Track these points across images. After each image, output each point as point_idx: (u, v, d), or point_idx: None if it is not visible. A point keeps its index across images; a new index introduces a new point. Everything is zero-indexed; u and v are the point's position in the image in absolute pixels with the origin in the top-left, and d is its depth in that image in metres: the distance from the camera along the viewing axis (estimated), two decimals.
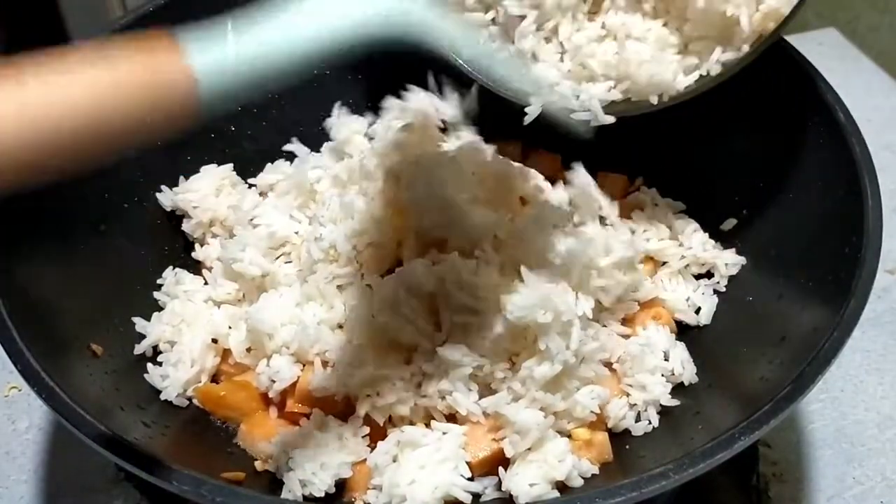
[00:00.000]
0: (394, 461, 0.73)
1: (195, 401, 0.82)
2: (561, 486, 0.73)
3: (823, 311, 0.71)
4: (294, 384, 0.79)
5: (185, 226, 0.96)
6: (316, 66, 0.57)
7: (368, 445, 0.76)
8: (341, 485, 0.75)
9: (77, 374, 0.73)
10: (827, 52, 1.40)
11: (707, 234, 0.93)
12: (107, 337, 0.80)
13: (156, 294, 0.90)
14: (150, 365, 0.82)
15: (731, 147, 0.94)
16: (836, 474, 0.89)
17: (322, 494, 0.73)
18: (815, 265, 0.78)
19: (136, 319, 0.85)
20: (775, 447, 0.91)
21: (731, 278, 0.90)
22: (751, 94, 0.91)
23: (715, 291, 0.90)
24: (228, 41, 0.53)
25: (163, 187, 0.96)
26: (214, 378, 0.85)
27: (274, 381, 0.79)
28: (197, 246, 0.96)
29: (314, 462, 0.73)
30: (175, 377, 0.81)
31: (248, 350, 0.83)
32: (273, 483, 0.75)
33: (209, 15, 1.06)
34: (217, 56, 0.53)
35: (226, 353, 0.85)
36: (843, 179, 0.78)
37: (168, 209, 0.96)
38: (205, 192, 0.95)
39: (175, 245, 0.96)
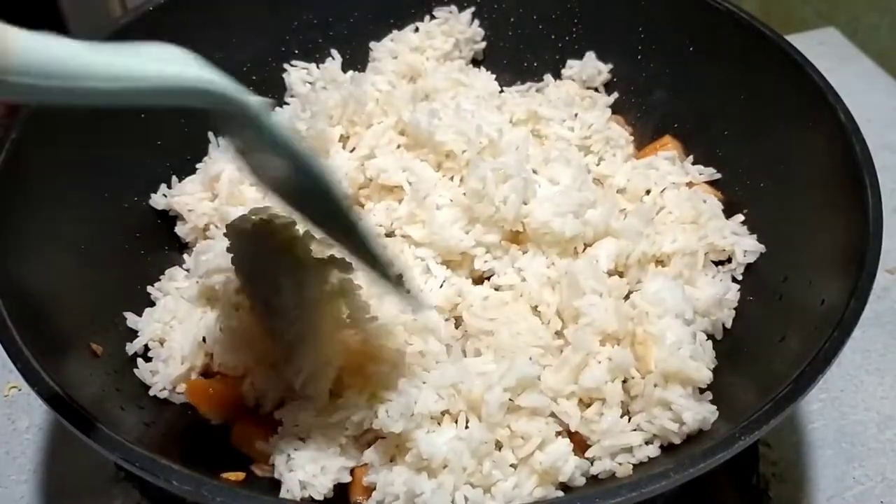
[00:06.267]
0: (391, 460, 0.73)
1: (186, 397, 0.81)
2: (562, 487, 0.73)
3: (823, 312, 0.71)
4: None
5: (179, 230, 0.95)
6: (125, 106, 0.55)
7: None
8: (340, 488, 0.75)
9: (77, 374, 0.73)
10: (827, 52, 1.40)
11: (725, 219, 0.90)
12: (107, 337, 0.80)
13: (149, 288, 0.89)
14: (140, 360, 0.82)
15: (731, 147, 0.94)
16: (836, 474, 0.89)
17: (321, 498, 0.73)
18: (815, 265, 0.78)
19: (128, 315, 0.84)
20: (775, 447, 0.91)
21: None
22: (751, 94, 0.91)
23: (733, 279, 0.88)
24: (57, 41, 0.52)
25: (158, 188, 0.95)
26: (206, 376, 0.83)
27: (260, 405, 0.79)
28: (186, 256, 0.94)
29: (315, 465, 0.73)
30: (165, 373, 0.81)
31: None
32: (272, 483, 0.75)
33: (208, 15, 1.05)
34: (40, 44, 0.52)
35: None
36: (843, 179, 0.78)
37: (163, 209, 0.95)
38: (200, 196, 0.94)
39: (175, 245, 0.96)
